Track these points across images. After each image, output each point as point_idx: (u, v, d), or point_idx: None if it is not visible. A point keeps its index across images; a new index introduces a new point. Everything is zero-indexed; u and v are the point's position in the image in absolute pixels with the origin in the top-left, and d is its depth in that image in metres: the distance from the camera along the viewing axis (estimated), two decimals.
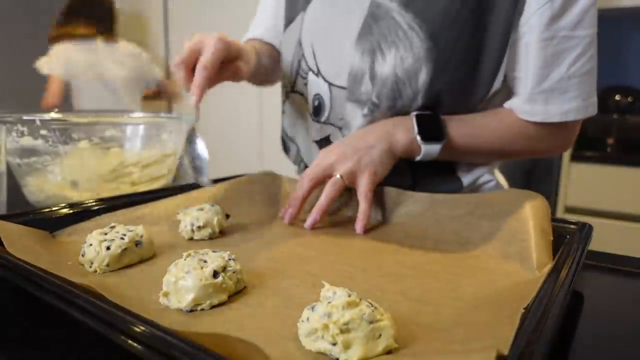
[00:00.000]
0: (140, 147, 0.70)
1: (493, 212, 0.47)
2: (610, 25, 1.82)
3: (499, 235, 0.45)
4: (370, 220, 0.54)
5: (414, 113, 0.59)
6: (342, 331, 0.27)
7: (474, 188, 0.68)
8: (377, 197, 0.57)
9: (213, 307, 0.33)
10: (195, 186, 0.62)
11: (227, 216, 0.53)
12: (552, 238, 0.44)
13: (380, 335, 0.27)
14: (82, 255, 0.40)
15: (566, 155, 1.58)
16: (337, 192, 0.54)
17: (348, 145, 0.57)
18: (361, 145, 0.57)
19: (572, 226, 0.46)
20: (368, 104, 0.61)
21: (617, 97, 1.79)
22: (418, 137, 0.57)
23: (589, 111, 0.58)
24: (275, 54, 0.80)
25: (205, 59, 0.53)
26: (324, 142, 0.69)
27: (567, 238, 0.43)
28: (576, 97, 0.57)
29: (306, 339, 0.28)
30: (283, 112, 0.78)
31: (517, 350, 0.23)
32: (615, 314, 0.39)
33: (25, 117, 0.61)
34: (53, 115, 0.72)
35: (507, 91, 0.62)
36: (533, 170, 1.70)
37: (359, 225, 0.53)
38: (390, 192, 0.57)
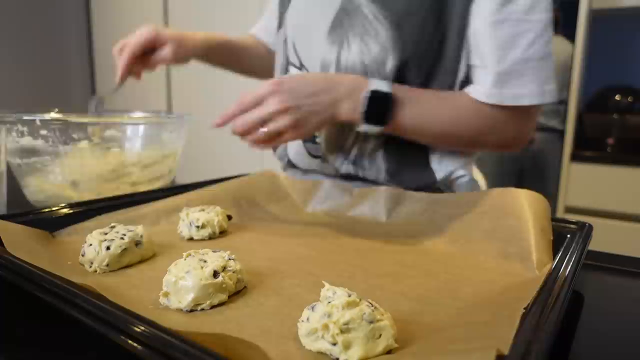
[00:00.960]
0: (140, 147, 0.70)
1: (493, 211, 0.47)
2: (610, 25, 1.82)
3: (498, 234, 0.45)
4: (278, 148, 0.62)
5: (372, 87, 0.59)
6: (342, 331, 0.27)
7: (448, 182, 0.69)
8: (378, 197, 0.57)
9: (213, 307, 0.33)
10: (195, 186, 0.62)
11: (229, 217, 0.53)
12: (552, 238, 0.44)
13: (380, 335, 0.27)
14: (82, 255, 0.40)
15: (566, 155, 1.58)
16: (258, 142, 0.56)
17: (298, 99, 0.57)
18: (307, 106, 0.57)
19: (572, 226, 0.46)
20: None
21: (617, 97, 1.79)
22: (362, 117, 0.59)
23: (546, 98, 0.58)
24: (262, 50, 0.89)
25: (130, 44, 0.73)
26: None
27: (567, 238, 0.43)
28: (532, 81, 0.57)
29: (306, 339, 0.28)
30: None
31: (517, 350, 0.23)
32: (615, 314, 0.39)
33: (25, 117, 0.61)
34: (53, 115, 0.72)
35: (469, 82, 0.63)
36: (533, 170, 1.70)
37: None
38: (390, 192, 0.57)
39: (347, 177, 0.71)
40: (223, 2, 2.18)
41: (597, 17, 1.67)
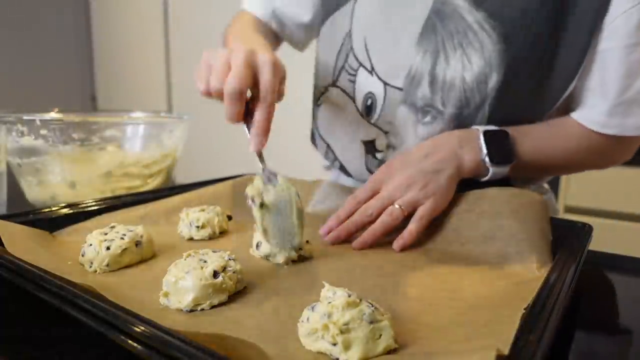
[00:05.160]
0: (140, 147, 0.70)
1: (492, 210, 0.47)
2: None
3: (498, 234, 0.45)
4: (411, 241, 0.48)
5: (481, 129, 0.53)
6: (342, 331, 0.27)
7: None
8: None
9: (213, 307, 0.33)
10: (195, 186, 0.62)
11: (229, 217, 0.53)
12: (552, 238, 0.44)
13: (380, 335, 0.27)
14: (82, 255, 0.40)
15: None
16: (395, 222, 0.48)
17: (413, 166, 0.51)
18: (427, 167, 0.50)
19: (572, 226, 0.46)
20: (431, 111, 0.57)
21: None
22: (487, 159, 0.52)
23: None
24: (270, 36, 0.74)
25: (266, 92, 0.45)
26: (369, 145, 0.64)
27: (567, 238, 0.43)
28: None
29: (306, 339, 0.28)
30: (318, 105, 0.72)
31: (517, 350, 0.23)
32: (615, 314, 0.39)
33: (25, 117, 0.61)
34: (53, 115, 0.72)
35: (567, 102, 0.57)
36: None
37: (398, 243, 0.47)
38: None
39: None
40: (223, 2, 2.18)
41: None
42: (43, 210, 0.49)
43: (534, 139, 0.55)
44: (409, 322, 0.31)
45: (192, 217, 0.50)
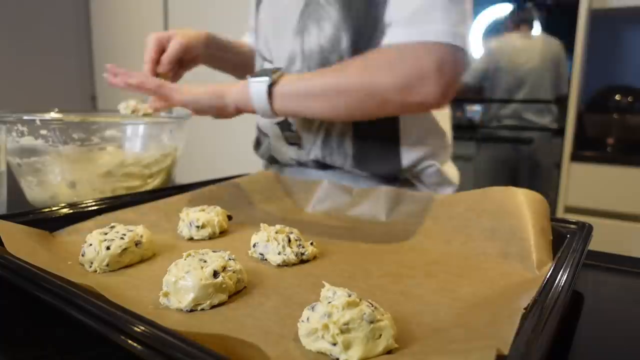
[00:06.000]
0: (140, 147, 0.70)
1: (492, 209, 0.47)
2: (610, 25, 1.82)
3: (498, 234, 0.45)
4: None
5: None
6: (342, 331, 0.27)
7: (415, 172, 0.70)
8: (377, 197, 0.57)
9: (213, 307, 0.33)
10: (195, 186, 0.62)
11: (229, 217, 0.53)
12: (551, 237, 0.44)
13: (380, 335, 0.27)
14: (82, 255, 0.40)
15: (566, 155, 1.58)
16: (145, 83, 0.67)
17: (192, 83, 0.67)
18: (201, 84, 0.66)
19: (572, 226, 0.46)
20: None
21: (617, 97, 1.79)
22: (249, 77, 0.64)
23: (457, 40, 0.55)
24: (253, 53, 0.90)
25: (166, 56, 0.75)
26: (284, 123, 0.75)
27: (567, 238, 0.43)
28: (442, 20, 0.55)
29: (306, 339, 0.28)
30: None
31: (517, 350, 0.23)
32: (615, 314, 0.39)
33: (25, 117, 0.61)
34: (53, 115, 0.72)
35: None
36: (532, 169, 1.70)
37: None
38: (391, 192, 0.57)
39: (318, 165, 0.75)
40: (223, 2, 2.18)
41: (597, 17, 1.67)
42: (43, 210, 0.49)
43: (310, 72, 0.66)
44: (409, 322, 0.31)
45: (192, 217, 0.50)
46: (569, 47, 1.54)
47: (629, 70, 1.84)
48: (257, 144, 0.87)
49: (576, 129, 1.61)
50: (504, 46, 1.72)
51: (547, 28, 1.64)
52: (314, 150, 0.73)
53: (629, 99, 1.78)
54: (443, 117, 0.74)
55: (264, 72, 0.65)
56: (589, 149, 1.64)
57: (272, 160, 0.83)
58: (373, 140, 0.67)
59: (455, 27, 0.55)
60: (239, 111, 0.68)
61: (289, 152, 0.78)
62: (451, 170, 0.76)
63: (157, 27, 2.41)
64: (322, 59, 0.67)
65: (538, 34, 1.66)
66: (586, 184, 1.58)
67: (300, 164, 0.78)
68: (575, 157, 1.59)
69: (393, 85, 0.57)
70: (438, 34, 0.55)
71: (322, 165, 0.74)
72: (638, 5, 1.60)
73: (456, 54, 0.56)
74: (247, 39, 0.94)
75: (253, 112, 0.66)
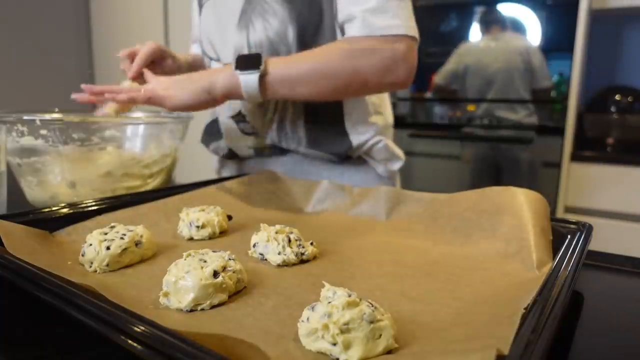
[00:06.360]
0: (140, 147, 0.70)
1: (492, 209, 0.47)
2: (610, 25, 1.82)
3: (498, 234, 0.45)
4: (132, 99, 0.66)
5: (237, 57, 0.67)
6: (342, 331, 0.27)
7: (366, 149, 0.75)
8: (377, 197, 0.57)
9: (213, 307, 0.33)
10: (195, 186, 0.62)
11: (230, 217, 0.53)
12: (551, 237, 0.43)
13: (380, 335, 0.27)
14: (82, 255, 0.40)
15: (566, 155, 1.58)
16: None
17: (173, 78, 0.68)
18: (183, 79, 0.67)
19: (572, 226, 0.46)
20: None
21: (617, 97, 1.79)
22: (236, 70, 0.65)
23: (411, 32, 0.65)
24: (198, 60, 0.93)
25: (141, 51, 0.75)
26: (238, 116, 0.78)
27: (567, 238, 0.43)
28: (397, 16, 0.64)
29: (306, 339, 0.28)
30: None
31: (517, 350, 0.23)
32: (615, 314, 0.39)
33: (25, 117, 0.61)
34: (53, 115, 0.72)
35: None
36: (532, 169, 1.70)
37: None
38: (391, 192, 0.57)
39: (275, 151, 0.79)
40: None
41: (597, 17, 1.67)
42: (43, 210, 0.49)
43: (289, 56, 0.69)
44: (409, 322, 0.31)
45: (192, 217, 0.50)
46: (569, 47, 1.54)
47: (629, 70, 1.84)
48: (208, 140, 0.89)
49: (576, 129, 1.61)
50: (474, 48, 1.75)
51: (547, 28, 1.64)
52: (269, 135, 0.78)
53: (629, 99, 1.78)
54: (383, 100, 0.81)
55: (250, 62, 0.65)
56: (589, 148, 1.64)
57: (229, 156, 0.86)
58: (322, 124, 0.74)
59: (409, 21, 0.65)
60: (226, 99, 0.70)
61: (247, 142, 0.81)
62: (396, 148, 0.82)
63: (157, 27, 2.41)
64: (271, 51, 0.71)
65: (507, 34, 1.69)
66: (586, 184, 1.58)
67: (259, 154, 0.82)
68: (575, 157, 1.59)
69: (375, 69, 0.66)
70: (400, 28, 0.64)
71: (280, 150, 0.79)
72: (638, 5, 1.60)
73: (414, 44, 0.66)
74: (193, 51, 0.95)
75: (242, 99, 0.69)
